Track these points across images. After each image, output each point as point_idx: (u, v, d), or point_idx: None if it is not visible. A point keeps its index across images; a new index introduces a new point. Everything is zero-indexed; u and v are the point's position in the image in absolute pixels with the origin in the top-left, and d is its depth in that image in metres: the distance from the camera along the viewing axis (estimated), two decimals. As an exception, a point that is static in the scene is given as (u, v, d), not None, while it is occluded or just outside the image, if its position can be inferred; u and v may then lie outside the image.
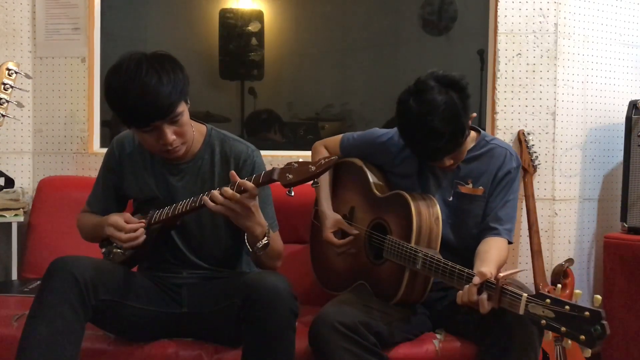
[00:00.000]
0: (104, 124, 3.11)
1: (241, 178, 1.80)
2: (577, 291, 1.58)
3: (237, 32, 3.60)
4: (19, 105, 2.23)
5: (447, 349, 2.00)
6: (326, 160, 1.68)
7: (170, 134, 1.88)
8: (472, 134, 2.14)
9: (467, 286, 1.73)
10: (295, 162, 1.71)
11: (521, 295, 1.60)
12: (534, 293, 1.60)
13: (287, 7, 3.78)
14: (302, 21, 3.77)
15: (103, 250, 2.06)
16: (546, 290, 2.61)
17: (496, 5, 2.80)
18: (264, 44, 3.60)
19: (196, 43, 3.75)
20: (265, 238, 1.86)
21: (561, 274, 2.64)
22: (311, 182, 1.71)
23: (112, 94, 1.86)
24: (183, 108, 1.89)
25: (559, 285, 1.62)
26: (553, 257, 2.79)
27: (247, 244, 1.88)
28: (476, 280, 1.70)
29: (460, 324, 2.01)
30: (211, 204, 1.78)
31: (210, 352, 1.98)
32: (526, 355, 1.81)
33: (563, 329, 1.50)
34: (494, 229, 2.04)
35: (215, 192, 1.78)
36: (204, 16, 3.69)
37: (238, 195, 1.76)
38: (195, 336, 2.03)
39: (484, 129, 2.89)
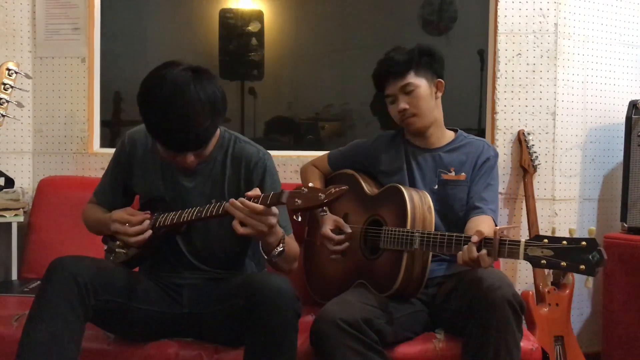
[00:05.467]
0: (104, 124, 3.11)
1: (252, 181, 1.83)
2: (571, 227, 1.64)
3: (237, 32, 3.60)
4: (19, 105, 2.23)
5: (447, 348, 2.00)
6: (336, 189, 1.65)
7: (191, 157, 1.87)
8: (451, 132, 2.29)
9: (466, 246, 1.79)
10: (305, 187, 1.68)
11: (519, 241, 1.67)
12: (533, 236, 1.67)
13: (287, 7, 3.77)
14: (302, 21, 3.77)
15: (105, 247, 2.05)
16: (546, 290, 2.61)
17: (496, 5, 2.80)
18: (264, 44, 3.60)
19: (196, 43, 3.74)
20: (281, 245, 1.85)
21: (561, 274, 2.64)
22: (319, 210, 1.69)
23: (149, 110, 1.79)
24: (215, 137, 1.87)
25: (545, 240, 1.65)
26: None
27: (262, 252, 1.87)
28: (474, 238, 1.78)
29: (448, 320, 2.04)
30: (241, 229, 1.76)
31: (210, 352, 1.98)
32: (504, 340, 1.82)
33: (563, 263, 1.57)
34: (478, 208, 2.12)
35: (242, 214, 1.74)
36: (204, 16, 3.69)
37: (264, 211, 1.72)
38: (196, 336, 2.03)
39: (484, 129, 2.90)
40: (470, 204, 2.15)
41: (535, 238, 1.64)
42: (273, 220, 1.75)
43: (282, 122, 3.72)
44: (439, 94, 2.23)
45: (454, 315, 1.98)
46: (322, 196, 1.64)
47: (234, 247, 2.06)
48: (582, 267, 1.54)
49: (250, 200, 1.75)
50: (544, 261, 1.60)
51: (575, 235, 1.62)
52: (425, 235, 1.94)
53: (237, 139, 2.05)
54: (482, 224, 2.02)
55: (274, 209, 1.75)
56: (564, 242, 1.57)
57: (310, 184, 1.70)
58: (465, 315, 1.90)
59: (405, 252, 1.98)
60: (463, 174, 2.19)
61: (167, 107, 1.76)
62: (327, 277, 2.32)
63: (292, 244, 1.97)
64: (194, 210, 1.89)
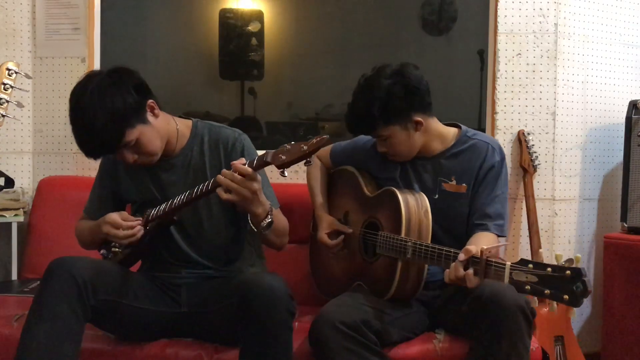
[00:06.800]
0: (103, 124, 3.10)
1: (232, 161, 1.82)
2: (558, 253, 1.62)
3: (237, 32, 3.60)
4: (19, 105, 2.23)
5: (447, 348, 1.99)
6: (318, 139, 1.70)
7: (129, 155, 1.92)
8: (453, 130, 2.17)
9: (453, 263, 1.76)
10: (287, 145, 1.74)
11: (504, 264, 1.63)
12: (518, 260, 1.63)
13: (287, 7, 3.77)
14: (302, 21, 3.77)
15: (101, 251, 2.06)
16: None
17: (496, 5, 2.80)
18: (264, 44, 3.60)
19: (196, 43, 3.75)
20: (269, 217, 1.86)
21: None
22: (304, 161, 1.72)
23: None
24: (137, 133, 1.89)
25: (540, 251, 1.64)
26: (553, 257, 2.79)
27: (251, 225, 1.88)
28: (461, 256, 1.74)
29: (453, 321, 2.02)
30: (225, 195, 1.78)
31: (210, 352, 1.98)
32: (515, 347, 1.80)
33: (547, 291, 1.54)
34: (482, 225, 2.05)
35: (227, 180, 1.77)
36: (204, 16, 3.69)
37: (249, 174, 1.77)
38: (195, 336, 2.03)
39: (484, 129, 2.89)
40: (473, 220, 2.06)
41: (521, 262, 1.61)
42: (256, 185, 1.78)
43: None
44: (420, 127, 2.07)
45: (460, 318, 1.94)
46: (305, 147, 1.70)
47: (229, 228, 2.07)
48: (566, 297, 1.51)
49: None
50: (527, 287, 1.57)
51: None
52: (418, 246, 1.91)
53: (211, 126, 2.10)
54: (481, 240, 1.96)
55: (258, 176, 1.79)
56: (549, 269, 1.54)
57: (293, 142, 1.74)
58: (475, 319, 1.85)
59: (399, 260, 1.97)
60: (464, 184, 2.09)
61: (73, 117, 1.87)
62: (331, 274, 2.32)
63: (280, 217, 2.00)
64: (183, 195, 1.92)
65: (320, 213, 2.29)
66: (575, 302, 1.51)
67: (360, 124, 2.10)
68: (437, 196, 2.10)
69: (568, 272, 1.52)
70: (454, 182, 2.10)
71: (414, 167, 2.15)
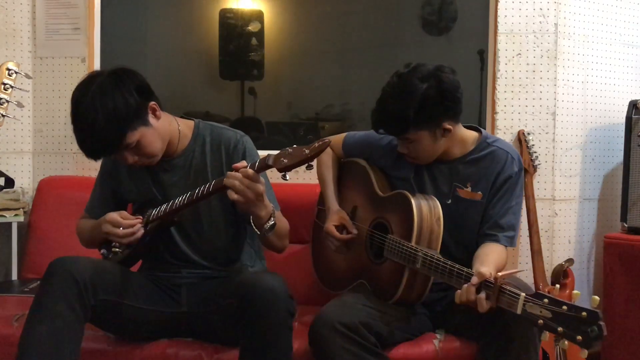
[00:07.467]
0: (104, 123, 3.10)
1: (233, 163, 1.82)
2: (575, 292, 1.58)
3: (237, 32, 3.60)
4: (19, 105, 2.23)
5: (447, 349, 2.00)
6: (319, 143, 1.68)
7: (130, 157, 1.91)
8: (473, 134, 2.13)
9: (465, 285, 1.72)
10: (289, 148, 1.72)
11: (519, 295, 1.60)
12: (533, 292, 1.60)
13: (287, 7, 3.77)
14: (302, 21, 3.77)
15: (102, 251, 2.06)
16: (546, 290, 2.60)
17: (496, 5, 2.80)
18: (264, 44, 3.60)
19: (196, 43, 3.75)
20: (272, 219, 1.86)
21: (561, 274, 2.64)
22: (305, 165, 1.71)
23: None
24: (138, 135, 1.88)
25: (557, 285, 1.62)
26: (553, 257, 2.79)
27: (254, 228, 1.88)
28: (474, 280, 1.70)
29: (460, 323, 2.01)
30: (234, 195, 1.77)
31: (210, 352, 1.98)
32: (526, 351, 1.80)
33: (560, 329, 1.51)
34: (493, 236, 2.01)
35: (233, 182, 1.77)
36: (204, 16, 3.69)
37: (253, 176, 1.76)
38: (195, 336, 2.03)
39: (484, 129, 2.89)
40: (484, 230, 2.03)
41: (536, 296, 1.57)
42: (260, 187, 1.77)
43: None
44: (448, 134, 2.02)
45: (468, 319, 1.93)
46: (307, 151, 1.68)
47: (229, 230, 2.07)
48: (579, 337, 1.47)
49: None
50: (541, 321, 1.54)
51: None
52: (429, 258, 1.87)
53: (213, 127, 2.09)
54: (489, 257, 1.91)
55: (261, 179, 1.79)
56: (564, 307, 1.51)
57: (295, 146, 1.72)
58: (486, 321, 1.84)
59: (407, 268, 1.94)
60: (479, 192, 2.04)
61: (74, 118, 1.86)
62: (333, 268, 2.30)
63: (282, 219, 1.99)
64: (184, 196, 1.91)
65: (332, 204, 2.25)
66: (588, 344, 1.47)
67: (391, 126, 2.04)
68: (450, 201, 2.07)
69: (584, 313, 1.47)
70: (469, 189, 2.06)
71: (430, 170, 2.11)
